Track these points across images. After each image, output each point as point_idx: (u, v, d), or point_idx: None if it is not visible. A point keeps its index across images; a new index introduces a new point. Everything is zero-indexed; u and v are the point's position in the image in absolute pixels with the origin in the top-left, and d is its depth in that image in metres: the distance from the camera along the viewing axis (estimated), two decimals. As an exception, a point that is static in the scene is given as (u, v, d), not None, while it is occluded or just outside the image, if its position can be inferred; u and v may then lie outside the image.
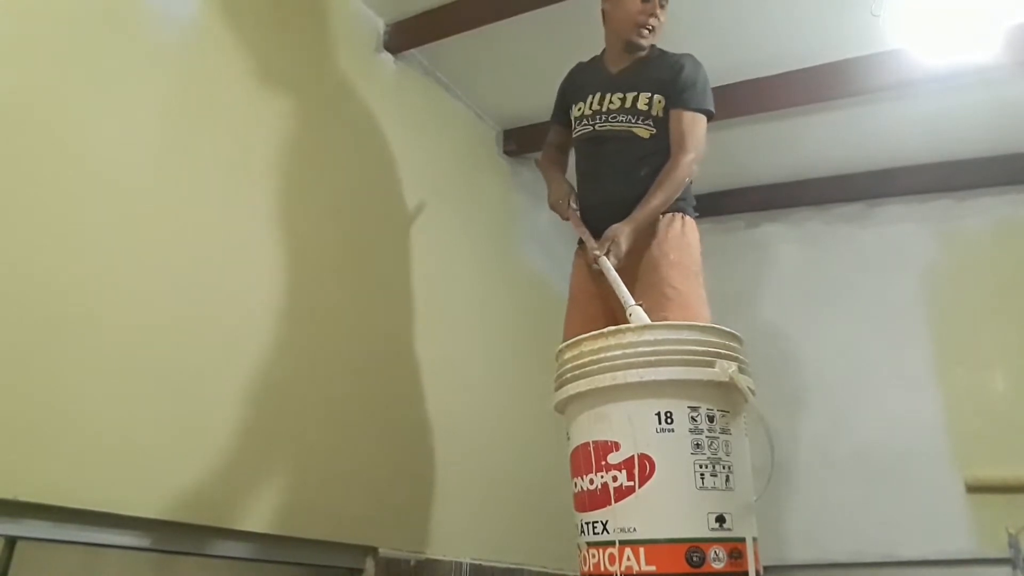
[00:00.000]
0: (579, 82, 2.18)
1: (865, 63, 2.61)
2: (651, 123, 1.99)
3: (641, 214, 1.88)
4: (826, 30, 2.52)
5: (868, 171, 3.39)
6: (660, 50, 2.07)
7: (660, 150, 1.97)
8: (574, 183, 2.17)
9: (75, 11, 1.59)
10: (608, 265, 1.79)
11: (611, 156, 2.03)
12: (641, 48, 2.04)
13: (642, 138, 2.00)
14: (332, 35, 2.35)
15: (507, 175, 3.23)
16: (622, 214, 1.92)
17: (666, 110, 1.99)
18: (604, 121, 2.04)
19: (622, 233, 1.84)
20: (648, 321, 1.64)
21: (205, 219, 1.79)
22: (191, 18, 1.86)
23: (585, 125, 2.09)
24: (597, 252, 1.81)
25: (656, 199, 1.89)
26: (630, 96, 2.01)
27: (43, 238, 1.45)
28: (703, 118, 1.97)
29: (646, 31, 2.00)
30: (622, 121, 2.02)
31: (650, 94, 1.99)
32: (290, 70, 2.15)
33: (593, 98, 2.08)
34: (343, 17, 2.43)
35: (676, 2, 2.37)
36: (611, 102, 2.04)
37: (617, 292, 1.73)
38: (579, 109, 2.12)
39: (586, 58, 2.23)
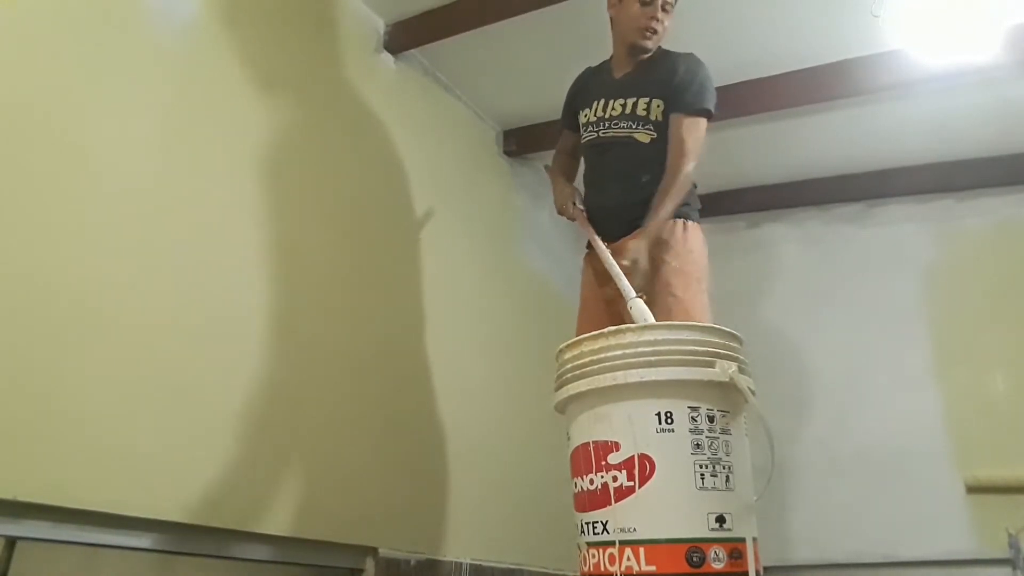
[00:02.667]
0: (586, 88, 2.19)
1: (865, 63, 2.60)
2: (651, 127, 1.99)
3: (653, 225, 1.88)
4: (826, 30, 2.52)
5: (868, 171, 3.39)
6: (664, 51, 2.07)
7: (661, 155, 1.97)
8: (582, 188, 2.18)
9: (75, 11, 1.59)
10: (615, 268, 1.81)
11: (614, 162, 2.05)
12: (645, 51, 2.04)
13: (643, 143, 2.00)
14: (332, 35, 2.35)
15: (507, 175, 3.23)
16: (625, 219, 1.95)
17: (665, 114, 1.98)
18: (607, 128, 2.05)
19: (639, 252, 1.84)
20: (648, 314, 1.65)
21: (205, 219, 1.79)
22: (191, 18, 1.86)
23: (591, 132, 2.10)
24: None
25: (664, 209, 1.88)
26: (630, 102, 2.02)
27: (43, 238, 1.45)
28: (702, 120, 1.96)
29: (649, 34, 2.00)
30: (624, 127, 2.02)
31: (648, 99, 2.00)
32: (290, 70, 2.15)
33: (597, 104, 2.09)
34: (343, 17, 2.43)
35: (678, 3, 2.37)
36: (613, 108, 2.05)
37: (618, 285, 1.75)
38: (585, 116, 2.13)
39: (589, 60, 2.23)
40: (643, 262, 1.84)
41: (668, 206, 1.89)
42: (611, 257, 1.85)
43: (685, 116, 1.95)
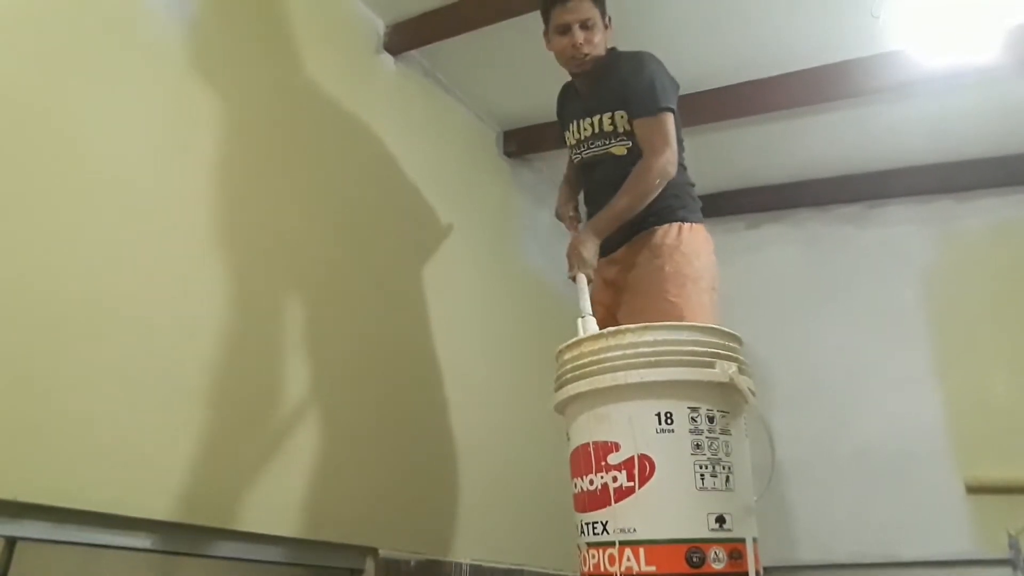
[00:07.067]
0: (564, 108, 2.25)
1: (865, 64, 2.61)
2: (623, 138, 2.02)
3: (604, 217, 1.93)
4: (826, 31, 2.53)
5: (868, 172, 3.39)
6: (613, 55, 2.06)
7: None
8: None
9: (75, 10, 1.59)
10: (582, 282, 1.84)
11: (600, 178, 2.09)
12: (583, 72, 2.05)
13: (621, 156, 2.03)
14: (332, 36, 2.35)
15: (507, 176, 3.23)
16: (621, 229, 1.97)
17: (631, 122, 2.00)
18: (587, 149, 2.11)
19: (584, 243, 1.89)
20: (596, 331, 1.67)
21: (204, 219, 1.79)
22: (191, 18, 1.86)
23: (576, 153, 2.17)
24: (571, 275, 1.88)
25: (620, 201, 1.91)
26: (596, 120, 2.05)
27: (43, 237, 1.45)
28: (664, 116, 1.94)
29: (577, 59, 2.01)
30: (599, 145, 2.07)
31: (611, 112, 2.02)
32: (289, 71, 2.15)
33: (573, 127, 2.14)
34: (343, 18, 2.43)
35: (678, 3, 2.37)
36: (584, 129, 2.09)
37: (579, 301, 1.79)
38: (568, 139, 2.19)
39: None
40: (587, 254, 1.88)
41: (624, 199, 1.91)
42: (582, 279, 1.87)
43: (644, 118, 1.96)
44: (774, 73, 2.72)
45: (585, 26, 1.98)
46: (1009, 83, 2.73)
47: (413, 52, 2.65)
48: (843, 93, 2.74)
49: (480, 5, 2.44)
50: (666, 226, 1.98)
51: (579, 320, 1.74)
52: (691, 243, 1.97)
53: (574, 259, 1.88)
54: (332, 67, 2.31)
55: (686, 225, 2.00)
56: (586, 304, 1.78)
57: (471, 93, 2.96)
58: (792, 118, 2.96)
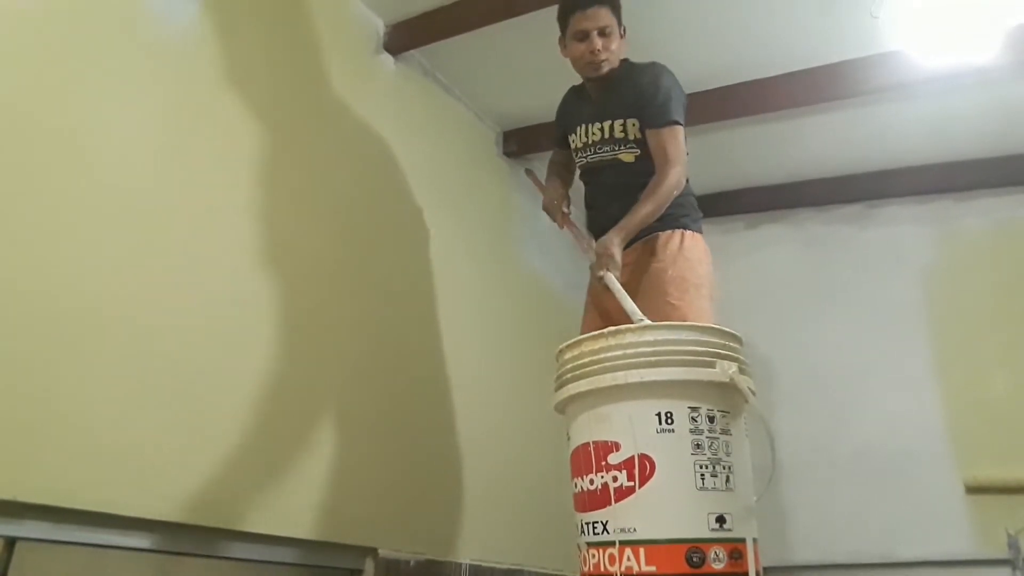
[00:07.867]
0: (570, 111, 2.25)
1: (865, 64, 2.61)
2: (633, 146, 2.04)
3: (630, 222, 1.92)
4: (826, 31, 2.53)
5: (868, 172, 3.39)
6: (628, 65, 2.09)
7: (648, 170, 2.00)
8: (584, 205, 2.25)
9: (76, 10, 1.59)
10: (615, 283, 1.82)
11: (606, 183, 2.12)
12: (600, 77, 2.07)
13: (628, 163, 2.06)
14: (332, 36, 2.35)
15: (507, 176, 3.23)
16: None
17: (642, 130, 2.02)
18: (593, 153, 2.12)
19: (613, 244, 1.88)
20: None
21: (204, 219, 1.79)
22: (191, 18, 1.86)
23: (581, 158, 2.18)
24: (600, 273, 1.86)
25: (644, 208, 1.92)
26: (606, 125, 2.07)
27: (43, 238, 1.45)
28: (677, 128, 1.98)
29: (595, 64, 2.03)
30: (607, 151, 2.09)
31: (623, 120, 2.04)
32: (290, 70, 2.15)
33: (581, 130, 2.15)
34: (343, 18, 2.43)
35: (678, 4, 2.37)
36: (593, 134, 2.11)
37: (624, 307, 1.76)
38: (573, 142, 2.20)
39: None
40: (617, 255, 1.87)
41: (649, 206, 1.92)
42: (613, 279, 1.85)
43: (660, 129, 1.98)
44: (774, 73, 2.72)
45: (603, 33, 2.01)
46: (1009, 83, 2.73)
47: (413, 52, 2.65)
48: (843, 93, 2.74)
49: (480, 5, 2.44)
50: (669, 232, 2.01)
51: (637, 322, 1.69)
52: (694, 250, 2.01)
53: (606, 259, 1.87)
54: (332, 67, 2.31)
55: (688, 232, 2.03)
56: (631, 304, 1.74)
57: (471, 93, 2.96)
58: (792, 118, 2.96)
